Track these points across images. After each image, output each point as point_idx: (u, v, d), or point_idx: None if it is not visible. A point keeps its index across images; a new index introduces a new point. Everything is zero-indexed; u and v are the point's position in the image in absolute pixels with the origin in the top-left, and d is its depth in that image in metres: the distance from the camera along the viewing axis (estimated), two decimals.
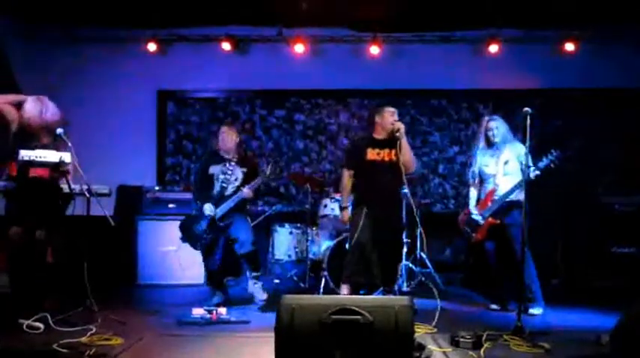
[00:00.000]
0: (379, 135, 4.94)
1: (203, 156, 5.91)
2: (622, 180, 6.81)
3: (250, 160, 5.68)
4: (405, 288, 5.76)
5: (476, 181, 5.15)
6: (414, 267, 5.96)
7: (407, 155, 4.77)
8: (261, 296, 5.08)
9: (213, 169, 5.18)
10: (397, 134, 4.74)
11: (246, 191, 5.04)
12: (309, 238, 5.90)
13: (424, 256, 6.13)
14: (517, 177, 4.82)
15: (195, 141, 7.45)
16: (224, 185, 5.13)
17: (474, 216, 5.07)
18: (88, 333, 3.79)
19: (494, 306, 5.05)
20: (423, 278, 5.94)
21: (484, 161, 5.07)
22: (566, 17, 6.51)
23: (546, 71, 7.04)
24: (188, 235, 5.13)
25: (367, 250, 4.74)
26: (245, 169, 5.21)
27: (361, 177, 4.94)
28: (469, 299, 5.59)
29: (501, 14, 6.51)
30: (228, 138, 5.18)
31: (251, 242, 5.03)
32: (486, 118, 5.13)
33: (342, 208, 5.09)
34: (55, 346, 3.48)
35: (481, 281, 5.64)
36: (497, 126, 4.98)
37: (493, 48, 7.02)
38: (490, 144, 5.04)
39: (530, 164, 4.53)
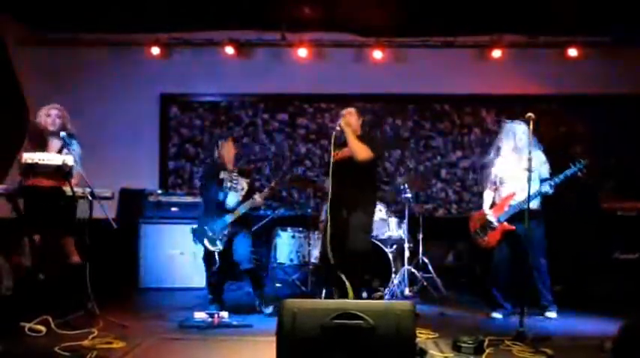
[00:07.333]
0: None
1: (208, 165, 5.87)
2: (624, 185, 6.79)
3: (249, 172, 5.62)
4: (407, 293, 5.74)
5: (495, 184, 5.01)
6: (416, 272, 5.95)
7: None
8: (268, 310, 5.03)
9: (223, 174, 5.19)
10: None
11: (258, 199, 5.05)
12: (311, 242, 5.90)
13: (426, 261, 6.11)
14: (537, 185, 4.73)
15: (198, 144, 7.45)
16: (230, 192, 5.15)
17: (488, 218, 4.95)
18: (90, 336, 3.78)
19: (495, 314, 4.99)
20: (425, 283, 5.93)
21: (505, 165, 4.92)
22: (570, 22, 6.50)
23: (550, 76, 7.05)
24: (202, 237, 5.09)
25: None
26: (248, 180, 5.25)
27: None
28: (471, 304, 5.57)
29: (505, 19, 6.51)
30: (230, 150, 5.23)
31: (249, 259, 4.99)
32: (512, 122, 4.97)
33: None
34: (56, 349, 3.47)
35: (485, 287, 5.60)
36: (524, 132, 4.81)
37: (496, 53, 7.03)
38: (514, 148, 4.91)
39: (547, 175, 4.71)
